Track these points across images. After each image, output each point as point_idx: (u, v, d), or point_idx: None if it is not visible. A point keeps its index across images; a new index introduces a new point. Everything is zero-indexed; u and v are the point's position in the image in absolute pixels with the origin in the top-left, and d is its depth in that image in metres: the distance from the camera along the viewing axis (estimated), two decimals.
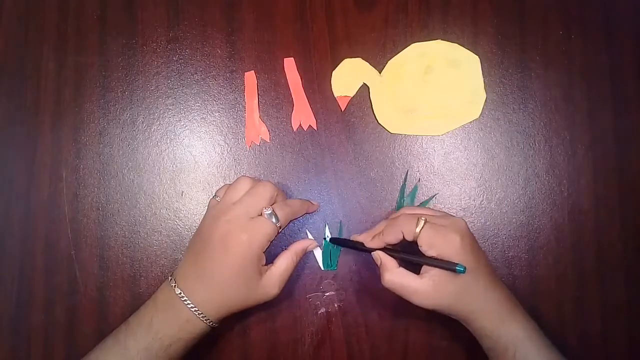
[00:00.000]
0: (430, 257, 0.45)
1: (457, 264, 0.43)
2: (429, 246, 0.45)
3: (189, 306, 0.45)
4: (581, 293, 0.54)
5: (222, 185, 0.52)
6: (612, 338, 0.54)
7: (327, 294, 0.55)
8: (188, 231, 0.56)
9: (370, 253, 0.49)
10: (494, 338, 0.45)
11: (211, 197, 0.49)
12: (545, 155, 0.56)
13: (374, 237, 0.49)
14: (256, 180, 0.49)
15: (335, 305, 0.55)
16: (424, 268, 0.45)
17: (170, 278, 0.47)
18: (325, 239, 0.55)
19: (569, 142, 0.56)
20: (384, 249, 0.48)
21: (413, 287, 0.45)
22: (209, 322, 0.46)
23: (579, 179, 0.56)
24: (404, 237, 0.46)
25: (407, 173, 0.56)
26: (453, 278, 0.44)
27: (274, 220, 0.46)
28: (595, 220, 0.55)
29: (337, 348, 0.54)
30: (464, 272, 0.43)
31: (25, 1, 0.59)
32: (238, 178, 0.49)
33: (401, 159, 0.57)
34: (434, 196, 0.56)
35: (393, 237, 0.47)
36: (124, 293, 0.55)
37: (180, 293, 0.45)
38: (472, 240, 0.46)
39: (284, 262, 0.48)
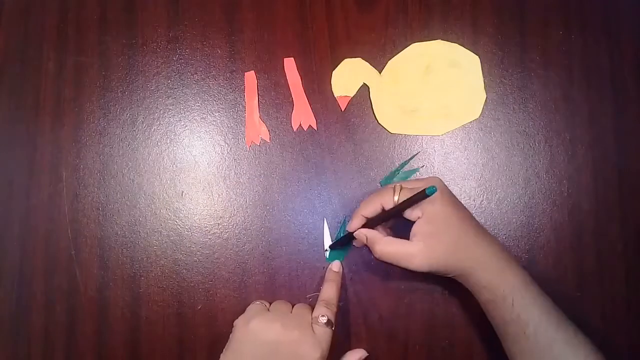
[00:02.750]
0: (404, 201, 0.45)
1: (426, 187, 0.43)
2: (411, 209, 0.45)
3: None
4: (581, 293, 0.54)
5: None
6: (612, 338, 0.54)
7: None
8: (188, 231, 0.56)
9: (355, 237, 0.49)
10: (492, 289, 0.45)
11: (233, 328, 0.48)
12: (545, 155, 0.56)
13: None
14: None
15: None
16: (412, 232, 0.46)
17: None
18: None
19: (569, 142, 0.56)
20: (365, 227, 0.48)
21: (406, 251, 0.45)
22: None
23: (579, 179, 0.56)
24: (383, 209, 0.47)
25: (408, 159, 0.56)
26: (442, 234, 0.45)
27: (330, 326, 0.47)
28: (595, 220, 0.55)
29: (337, 348, 0.54)
30: (434, 191, 0.43)
31: (26, 1, 0.59)
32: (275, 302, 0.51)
33: (401, 159, 0.57)
34: (414, 156, 0.56)
35: (372, 210, 0.47)
36: (124, 293, 0.55)
37: None
38: (450, 194, 0.47)
39: None
